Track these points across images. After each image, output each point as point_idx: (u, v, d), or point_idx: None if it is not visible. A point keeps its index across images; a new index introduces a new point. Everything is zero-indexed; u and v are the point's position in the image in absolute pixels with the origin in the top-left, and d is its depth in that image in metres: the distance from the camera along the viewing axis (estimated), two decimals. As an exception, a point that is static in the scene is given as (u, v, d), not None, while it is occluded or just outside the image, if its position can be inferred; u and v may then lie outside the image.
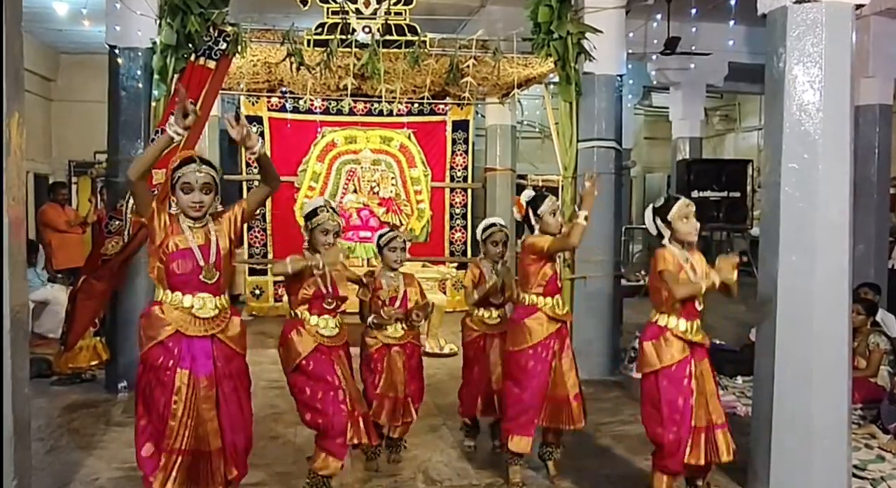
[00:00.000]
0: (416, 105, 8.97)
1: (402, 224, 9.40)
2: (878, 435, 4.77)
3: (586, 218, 3.67)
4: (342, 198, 9.31)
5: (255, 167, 9.25)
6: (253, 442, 3.30)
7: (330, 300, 3.66)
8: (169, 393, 2.98)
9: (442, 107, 9.44)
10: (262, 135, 9.27)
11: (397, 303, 4.14)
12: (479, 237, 4.47)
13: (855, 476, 4.01)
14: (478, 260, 4.50)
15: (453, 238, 9.84)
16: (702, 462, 3.47)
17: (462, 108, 9.49)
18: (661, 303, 3.49)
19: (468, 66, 6.48)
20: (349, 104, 8.47)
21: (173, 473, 2.98)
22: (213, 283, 3.05)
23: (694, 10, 7.65)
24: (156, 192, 2.94)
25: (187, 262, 3.00)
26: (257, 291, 9.25)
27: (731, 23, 8.09)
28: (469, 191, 9.90)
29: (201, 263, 3.01)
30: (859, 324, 5.39)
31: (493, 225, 4.38)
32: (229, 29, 5.67)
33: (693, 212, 3.47)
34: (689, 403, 3.42)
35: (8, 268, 2.94)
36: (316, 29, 6.06)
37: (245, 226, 3.24)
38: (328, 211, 3.66)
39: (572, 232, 3.68)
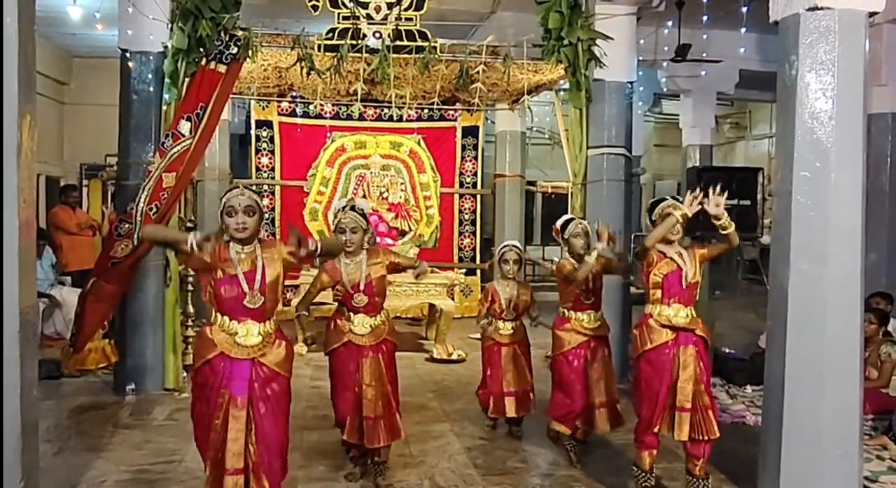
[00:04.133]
0: (426, 111, 8.98)
1: (410, 229, 9.42)
2: (889, 447, 4.71)
3: (599, 257, 4.18)
4: (351, 203, 9.32)
5: (266, 171, 9.32)
6: (288, 466, 3.39)
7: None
8: (213, 409, 3.17)
9: (452, 112, 9.47)
10: (272, 139, 9.32)
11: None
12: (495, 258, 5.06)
13: None
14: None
15: (462, 244, 9.84)
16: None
17: (472, 114, 9.49)
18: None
19: (478, 72, 6.47)
20: (359, 109, 8.50)
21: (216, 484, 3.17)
22: (258, 309, 3.19)
23: (705, 17, 7.63)
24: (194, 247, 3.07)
25: (233, 288, 3.16)
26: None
27: (743, 30, 8.06)
28: (478, 197, 9.90)
29: (245, 290, 3.16)
30: (871, 333, 5.34)
31: (506, 245, 4.97)
32: (240, 33, 5.69)
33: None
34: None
35: (18, 270, 2.95)
36: (327, 34, 6.07)
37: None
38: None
39: (581, 269, 4.24)
